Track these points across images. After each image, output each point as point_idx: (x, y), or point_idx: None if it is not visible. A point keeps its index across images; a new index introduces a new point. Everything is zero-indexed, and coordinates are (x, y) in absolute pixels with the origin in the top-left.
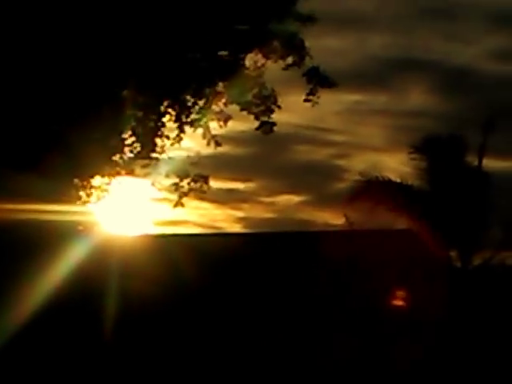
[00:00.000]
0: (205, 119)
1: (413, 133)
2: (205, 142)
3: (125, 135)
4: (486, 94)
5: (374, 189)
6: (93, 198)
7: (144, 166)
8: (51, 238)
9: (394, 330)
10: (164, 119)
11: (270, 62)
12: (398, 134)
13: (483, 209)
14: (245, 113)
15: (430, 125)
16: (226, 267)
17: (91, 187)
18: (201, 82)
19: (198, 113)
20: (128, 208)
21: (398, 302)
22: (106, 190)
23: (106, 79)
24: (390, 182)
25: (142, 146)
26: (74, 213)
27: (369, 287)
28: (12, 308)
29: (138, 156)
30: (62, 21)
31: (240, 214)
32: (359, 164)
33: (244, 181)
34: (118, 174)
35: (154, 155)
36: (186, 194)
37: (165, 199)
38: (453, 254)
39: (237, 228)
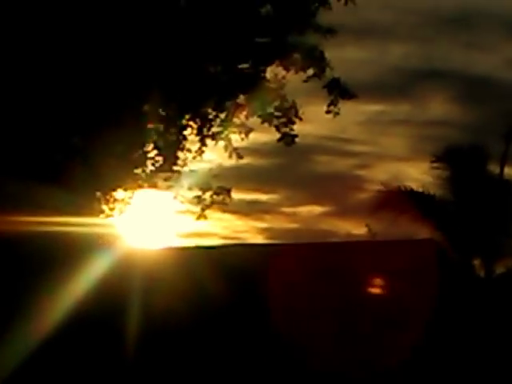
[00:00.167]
0: (226, 132)
1: (435, 142)
2: (227, 154)
3: (147, 148)
4: (507, 103)
5: (396, 199)
6: (115, 212)
7: (166, 179)
8: (73, 251)
9: (418, 339)
10: (185, 132)
11: (290, 74)
12: (420, 144)
13: (505, 217)
14: (266, 124)
15: (452, 134)
16: (250, 278)
17: (114, 200)
18: (222, 95)
19: (219, 126)
20: (151, 221)
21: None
22: (128, 203)
23: (128, 92)
24: (412, 191)
25: (164, 160)
26: (96, 226)
27: (389, 297)
28: (32, 322)
29: (160, 169)
30: (85, 34)
31: (263, 224)
32: (381, 174)
33: (266, 192)
34: (141, 187)
35: (176, 168)
36: (208, 207)
37: (187, 211)
38: (476, 262)
39: (259, 239)
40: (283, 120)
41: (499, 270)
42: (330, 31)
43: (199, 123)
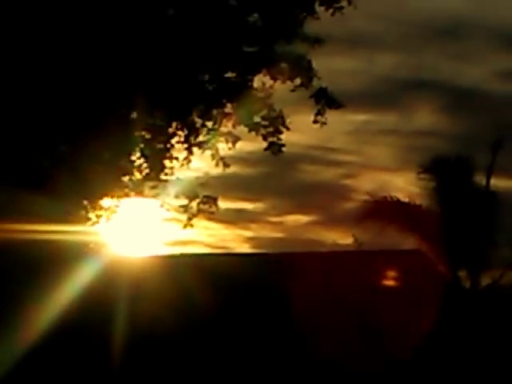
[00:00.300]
0: (213, 141)
1: (422, 153)
2: (213, 162)
3: (134, 157)
4: (494, 114)
5: (383, 209)
6: (102, 220)
7: (153, 187)
8: (58, 259)
9: (401, 350)
10: (173, 141)
11: (277, 84)
12: (407, 154)
13: (491, 228)
14: (253, 133)
15: (439, 145)
16: (235, 287)
17: (101, 208)
18: (209, 104)
19: (206, 134)
20: (137, 229)
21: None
22: (115, 211)
23: (115, 100)
24: (398, 202)
25: (150, 168)
26: (82, 233)
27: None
28: (18, 331)
29: (146, 177)
30: (73, 42)
31: (249, 233)
32: (368, 184)
33: (253, 201)
34: (127, 195)
35: (162, 176)
36: (195, 215)
37: (174, 219)
38: (462, 273)
39: (245, 248)
40: (270, 129)
41: (485, 281)
42: (317, 41)
43: (186, 132)
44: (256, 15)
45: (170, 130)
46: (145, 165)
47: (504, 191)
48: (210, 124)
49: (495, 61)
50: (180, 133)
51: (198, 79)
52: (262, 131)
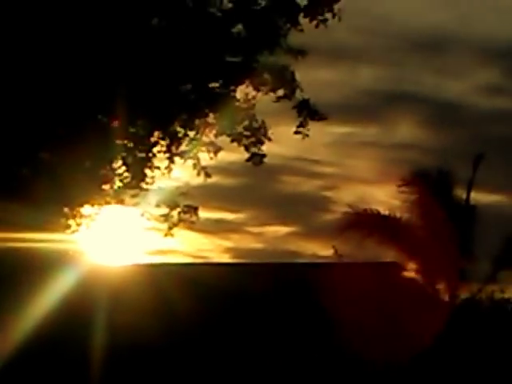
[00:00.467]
0: (195, 150)
1: (402, 165)
2: (195, 172)
3: (115, 165)
4: (475, 128)
5: (363, 221)
6: (82, 227)
7: (134, 196)
8: (36, 267)
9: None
10: (154, 150)
11: (260, 94)
12: (388, 167)
13: (471, 242)
14: (235, 144)
15: (420, 158)
16: (215, 297)
17: (81, 216)
18: (191, 114)
19: (188, 144)
20: (117, 237)
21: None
22: (95, 220)
23: (97, 109)
24: (378, 214)
25: (132, 176)
26: (61, 242)
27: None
28: None
29: (127, 186)
30: (55, 49)
31: (228, 244)
32: (348, 196)
33: (233, 211)
34: (108, 203)
35: (143, 185)
36: (175, 225)
37: (154, 228)
38: (440, 287)
39: (225, 258)
40: (252, 140)
41: (464, 295)
42: (300, 52)
43: (168, 141)
44: (240, 26)
45: (152, 139)
46: (126, 173)
47: (484, 205)
48: (192, 134)
49: (477, 75)
50: (162, 142)
51: (181, 89)
52: (244, 141)
